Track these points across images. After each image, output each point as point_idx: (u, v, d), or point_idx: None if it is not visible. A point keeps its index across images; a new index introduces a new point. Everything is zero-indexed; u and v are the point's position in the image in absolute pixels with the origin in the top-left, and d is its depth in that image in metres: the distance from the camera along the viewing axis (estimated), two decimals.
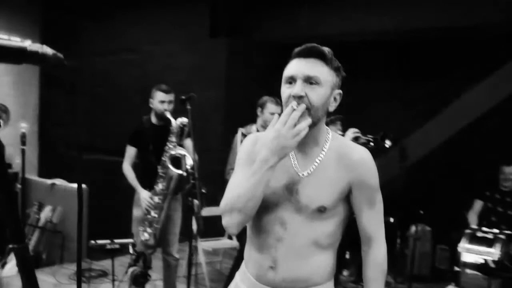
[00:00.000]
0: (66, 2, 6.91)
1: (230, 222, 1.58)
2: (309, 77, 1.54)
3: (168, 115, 3.64)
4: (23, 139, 3.36)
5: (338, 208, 1.62)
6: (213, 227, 3.50)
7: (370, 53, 5.78)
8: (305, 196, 1.59)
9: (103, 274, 4.92)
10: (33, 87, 7.20)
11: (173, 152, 3.56)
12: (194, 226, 3.45)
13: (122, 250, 3.58)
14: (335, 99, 1.62)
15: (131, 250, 3.48)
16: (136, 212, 3.79)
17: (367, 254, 1.69)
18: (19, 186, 5.59)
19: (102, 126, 6.61)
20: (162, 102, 3.70)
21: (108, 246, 3.45)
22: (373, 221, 1.65)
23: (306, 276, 1.63)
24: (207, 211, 3.83)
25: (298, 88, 1.53)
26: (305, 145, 1.60)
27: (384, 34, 5.30)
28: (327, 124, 3.97)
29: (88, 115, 6.82)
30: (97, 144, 6.45)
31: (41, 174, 7.12)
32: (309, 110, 1.53)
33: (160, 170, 3.63)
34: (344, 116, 4.28)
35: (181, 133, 3.67)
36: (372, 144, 4.11)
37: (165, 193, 3.62)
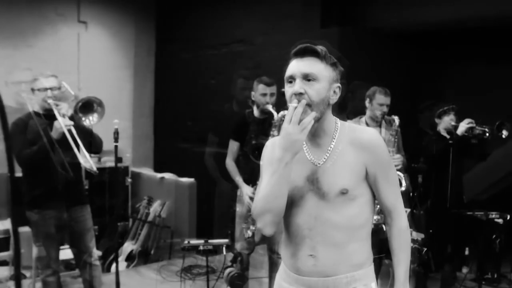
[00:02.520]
0: None
1: (263, 223, 1.72)
2: (306, 75, 1.67)
3: (270, 108, 3.51)
4: (115, 135, 3.21)
5: (360, 189, 1.73)
6: None
7: (487, 38, 5.42)
8: (326, 182, 1.71)
9: (211, 271, 4.71)
10: (148, 81, 7.26)
11: None
12: None
13: (216, 251, 3.39)
14: (335, 92, 1.73)
15: (224, 251, 3.26)
16: (239, 209, 3.71)
17: (390, 226, 1.81)
18: (129, 180, 5.59)
19: (215, 119, 6.52)
20: (264, 95, 3.62)
21: (201, 247, 3.24)
22: (390, 194, 1.77)
23: (345, 260, 1.73)
24: None
25: (297, 86, 1.67)
26: (316, 137, 1.75)
27: (501, 19, 4.86)
28: (440, 114, 3.88)
29: (202, 107, 6.80)
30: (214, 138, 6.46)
31: (156, 168, 7.21)
32: (309, 105, 1.65)
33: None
34: (458, 105, 4.11)
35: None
36: (488, 135, 3.96)
37: None
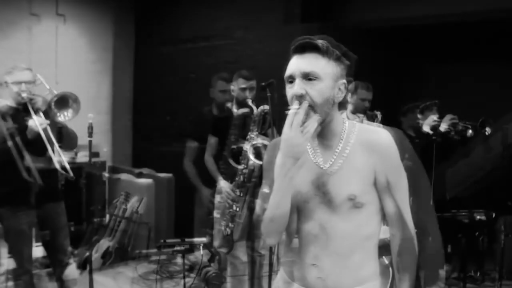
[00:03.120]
0: None
1: (265, 232, 1.63)
2: (307, 74, 1.53)
3: (250, 103, 3.47)
4: (89, 130, 3.14)
5: (369, 196, 1.60)
6: None
7: (469, 34, 5.45)
8: (333, 187, 1.59)
9: (189, 269, 4.67)
10: (127, 75, 7.16)
11: (254, 142, 3.38)
12: None
13: (193, 250, 3.35)
14: (340, 89, 1.59)
15: (201, 250, 3.22)
16: (218, 200, 3.63)
17: (394, 238, 1.66)
18: (106, 175, 5.50)
19: (194, 114, 6.45)
20: (244, 89, 3.57)
21: (177, 247, 3.18)
22: (397, 203, 1.62)
23: (350, 272, 1.61)
24: None
25: (296, 87, 1.53)
26: (323, 139, 1.62)
27: (478, 14, 4.89)
28: (423, 110, 3.70)
29: (181, 102, 6.72)
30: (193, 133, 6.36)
31: (134, 163, 7.11)
32: (312, 107, 1.52)
33: (241, 161, 3.46)
34: (440, 101, 4.11)
35: (263, 122, 3.48)
36: (471, 131, 3.95)
37: (246, 186, 3.47)
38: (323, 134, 1.61)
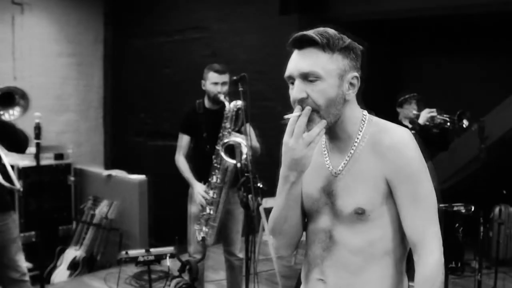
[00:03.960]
0: None
1: (276, 245, 1.53)
2: (306, 74, 1.33)
3: (222, 98, 3.26)
4: (36, 131, 2.75)
5: (381, 208, 1.37)
6: None
7: (445, 29, 5.50)
8: (340, 197, 1.40)
9: (163, 276, 4.31)
10: (96, 70, 6.74)
11: (226, 140, 3.18)
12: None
13: (159, 261, 3.03)
14: (351, 84, 1.37)
15: (168, 262, 2.93)
16: (192, 209, 3.46)
17: (417, 265, 1.37)
18: (72, 178, 5.08)
19: (170, 110, 6.15)
20: (215, 83, 3.32)
21: (141, 259, 2.86)
22: (418, 221, 1.35)
23: None
24: (272, 203, 3.20)
25: (296, 90, 1.34)
26: (336, 139, 1.42)
27: (460, 7, 4.85)
28: (402, 103, 3.47)
29: (155, 98, 6.50)
30: (165, 130, 6.12)
31: (106, 164, 6.74)
32: (317, 111, 1.33)
33: (214, 161, 3.27)
34: (421, 95, 4.10)
35: (236, 118, 3.28)
36: (449, 124, 3.98)
37: (221, 187, 3.31)
38: (336, 135, 1.41)
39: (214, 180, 3.29)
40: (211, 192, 3.31)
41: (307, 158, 1.32)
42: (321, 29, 1.36)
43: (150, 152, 6.37)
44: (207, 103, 3.40)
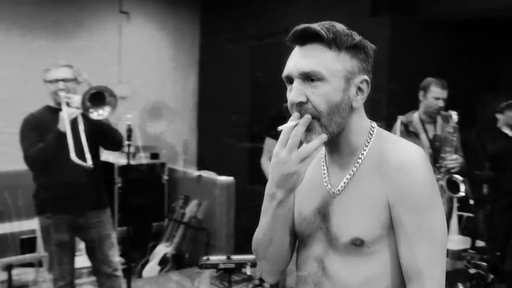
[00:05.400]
0: None
1: (261, 270, 1.32)
2: (307, 74, 1.13)
3: None
4: (128, 133, 2.89)
5: (385, 241, 1.15)
6: None
7: None
8: (335, 223, 1.19)
9: (247, 278, 4.35)
10: (192, 74, 6.99)
11: None
12: None
13: (240, 269, 3.03)
14: (360, 89, 1.17)
15: (248, 271, 2.90)
16: None
17: None
18: (166, 177, 5.31)
19: (259, 113, 6.21)
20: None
21: (221, 266, 2.85)
22: (417, 257, 1.12)
23: None
24: None
25: (294, 92, 1.14)
26: (337, 153, 1.21)
27: None
28: (504, 109, 3.22)
29: (246, 101, 6.53)
30: (254, 132, 6.18)
31: (198, 165, 6.95)
32: (317, 119, 1.13)
33: None
34: None
35: None
36: None
37: None
38: (339, 148, 1.20)
39: None
40: None
41: (299, 175, 1.13)
42: (327, 22, 1.18)
43: (240, 154, 6.48)
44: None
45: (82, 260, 3.45)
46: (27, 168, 2.96)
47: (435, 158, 3.39)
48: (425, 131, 3.49)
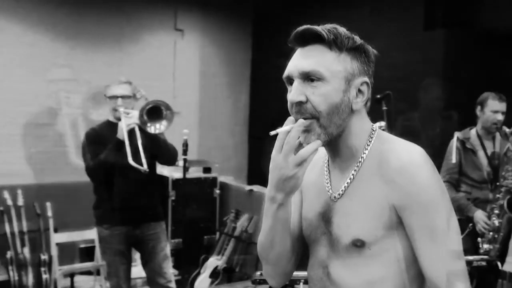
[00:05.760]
0: None
1: (264, 273, 1.34)
2: (307, 74, 1.14)
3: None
4: (184, 147, 2.96)
5: (385, 241, 1.14)
6: None
7: None
8: (336, 226, 1.20)
9: None
10: (244, 89, 7.08)
11: None
12: None
13: (292, 286, 2.97)
14: (360, 91, 1.17)
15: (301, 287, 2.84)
16: None
17: None
18: (217, 191, 5.38)
19: None
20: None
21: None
22: (435, 258, 1.10)
23: None
24: None
25: (293, 92, 1.15)
26: (338, 156, 1.21)
27: None
28: None
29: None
30: None
31: (249, 179, 6.99)
32: (317, 119, 1.13)
33: None
34: None
35: None
36: None
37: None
38: (338, 151, 1.20)
39: None
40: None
41: (297, 179, 1.13)
42: (329, 25, 1.19)
43: None
44: None
45: (137, 271, 3.54)
46: (87, 180, 3.09)
47: (494, 176, 3.27)
48: (483, 148, 3.38)
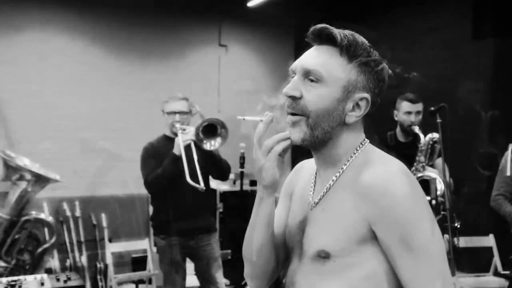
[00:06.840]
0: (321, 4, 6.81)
1: (245, 274, 1.30)
2: (308, 72, 1.12)
3: (417, 130, 3.15)
4: (241, 160, 3.06)
5: (355, 256, 1.08)
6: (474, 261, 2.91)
7: None
8: (307, 235, 1.17)
9: None
10: None
11: (420, 174, 3.04)
12: None
13: None
14: (358, 105, 1.13)
15: None
16: None
17: None
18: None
19: (372, 140, 6.22)
20: (409, 113, 3.23)
21: None
22: (414, 274, 1.04)
23: None
24: (465, 242, 3.34)
25: (290, 85, 1.14)
26: (323, 166, 1.19)
27: None
28: None
29: None
30: None
31: None
32: (306, 116, 1.12)
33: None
34: None
35: (432, 152, 3.15)
36: None
37: None
38: (323, 160, 1.18)
39: None
40: None
41: (266, 171, 1.13)
42: (349, 31, 1.15)
43: None
44: (399, 135, 3.35)
45: (191, 280, 3.65)
46: (138, 193, 3.22)
47: None
48: None
